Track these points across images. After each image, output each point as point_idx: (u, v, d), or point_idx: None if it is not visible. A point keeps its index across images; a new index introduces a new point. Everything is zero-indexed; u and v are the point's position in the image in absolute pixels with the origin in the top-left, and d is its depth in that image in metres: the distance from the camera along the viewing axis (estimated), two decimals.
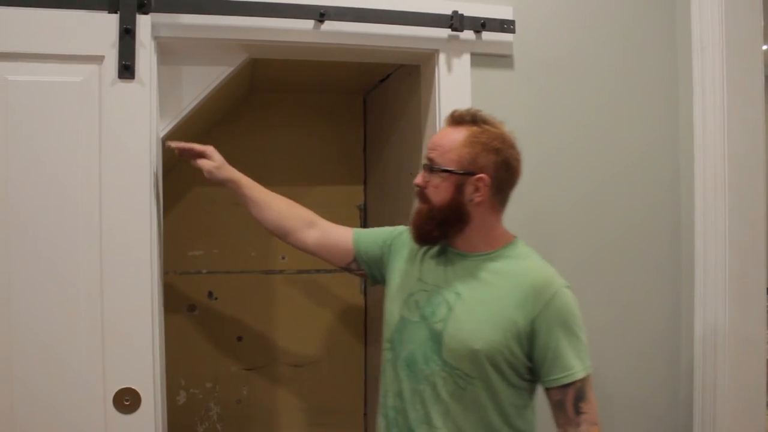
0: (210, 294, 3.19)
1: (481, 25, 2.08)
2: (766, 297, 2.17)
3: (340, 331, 3.30)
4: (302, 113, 3.29)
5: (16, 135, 1.74)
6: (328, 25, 1.97)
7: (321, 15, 1.94)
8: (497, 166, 1.57)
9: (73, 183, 1.77)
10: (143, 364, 1.79)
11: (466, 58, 2.11)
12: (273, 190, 3.29)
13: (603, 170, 2.23)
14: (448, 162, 1.56)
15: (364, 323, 3.33)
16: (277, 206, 1.95)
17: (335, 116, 3.32)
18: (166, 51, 1.94)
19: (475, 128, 1.58)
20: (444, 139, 1.59)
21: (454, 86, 2.10)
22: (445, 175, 1.56)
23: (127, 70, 1.78)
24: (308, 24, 1.96)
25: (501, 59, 2.15)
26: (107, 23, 1.78)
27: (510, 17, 2.12)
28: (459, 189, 1.56)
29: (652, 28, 2.29)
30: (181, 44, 1.95)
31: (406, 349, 1.61)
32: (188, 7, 1.87)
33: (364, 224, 3.33)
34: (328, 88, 3.19)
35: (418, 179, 1.61)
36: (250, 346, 3.22)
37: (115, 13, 1.79)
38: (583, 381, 1.51)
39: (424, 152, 2.20)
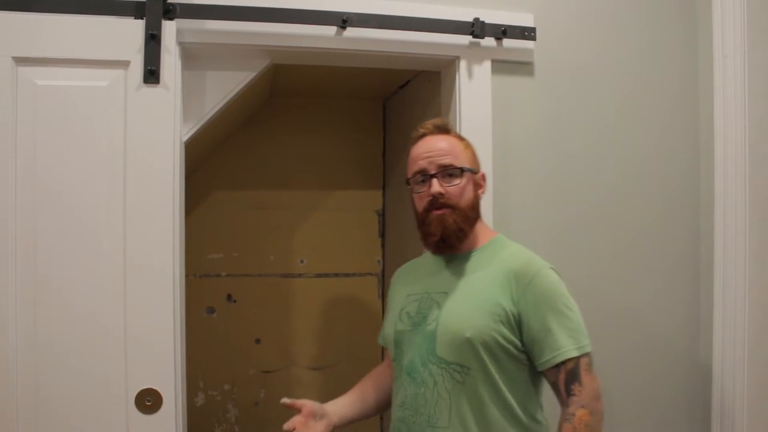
0: (229, 297, 3.22)
1: (502, 32, 2.09)
2: None
3: (357, 335, 3.31)
4: (322, 118, 3.31)
5: (44, 138, 1.77)
6: (351, 32, 1.98)
7: (343, 21, 1.96)
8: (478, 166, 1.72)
9: (98, 185, 1.79)
10: (165, 366, 1.81)
11: (487, 65, 2.12)
12: (293, 194, 3.32)
13: (621, 176, 2.23)
14: (465, 163, 1.66)
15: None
16: (374, 397, 1.84)
17: (355, 121, 3.34)
18: (190, 56, 1.97)
19: (455, 135, 1.72)
20: (452, 145, 1.67)
21: (475, 93, 2.11)
22: (467, 174, 1.64)
23: (152, 74, 1.81)
24: (331, 30, 1.98)
25: (521, 66, 2.16)
26: (133, 29, 1.81)
27: (531, 25, 2.13)
28: (475, 187, 1.68)
29: (673, 35, 2.29)
30: (205, 50, 1.97)
31: (406, 358, 1.64)
32: (213, 14, 1.90)
33: (383, 228, 3.34)
34: (348, 93, 3.21)
35: (438, 188, 1.61)
36: (268, 349, 3.25)
37: (141, 19, 1.82)
38: (575, 361, 1.50)
39: None
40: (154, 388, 1.79)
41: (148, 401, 1.79)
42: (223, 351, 3.18)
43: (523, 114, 2.16)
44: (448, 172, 1.63)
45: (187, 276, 2.01)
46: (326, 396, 3.32)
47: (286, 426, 1.62)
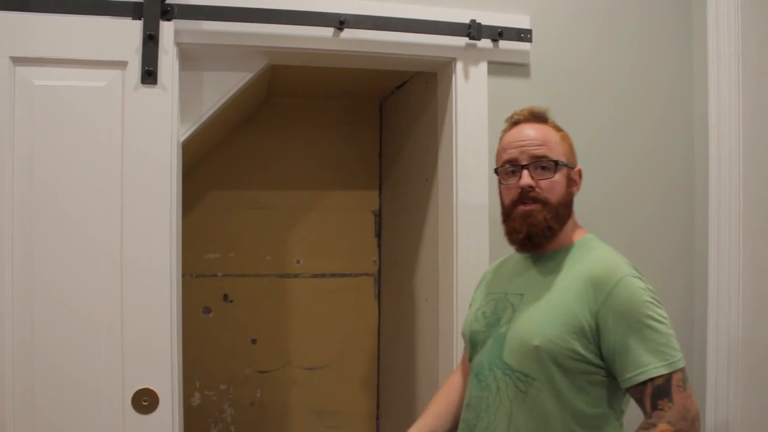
0: (225, 297, 3.22)
1: (498, 34, 2.10)
2: None
3: (353, 335, 3.32)
4: (319, 119, 3.32)
5: (41, 138, 1.77)
6: (348, 33, 1.99)
7: (340, 23, 1.96)
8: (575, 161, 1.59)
9: (95, 185, 1.80)
10: (162, 366, 1.82)
11: (483, 66, 2.12)
12: (290, 195, 3.33)
13: (617, 177, 2.24)
14: (560, 156, 1.52)
15: (378, 327, 3.35)
16: (453, 406, 1.72)
17: (351, 122, 3.35)
18: (187, 57, 1.97)
19: (552, 125, 1.58)
20: (547, 135, 1.53)
21: (471, 94, 2.12)
22: (562, 169, 1.51)
23: (149, 75, 1.81)
24: (328, 32, 1.98)
25: (517, 68, 2.17)
26: (131, 29, 1.82)
27: (527, 26, 2.14)
28: (569, 183, 1.53)
29: (668, 38, 2.30)
30: (203, 50, 1.98)
31: (477, 359, 1.56)
32: (210, 14, 1.90)
33: (379, 229, 3.35)
34: (345, 94, 3.22)
35: (529, 180, 1.49)
36: (264, 349, 3.25)
37: (139, 19, 1.82)
38: (664, 378, 1.34)
39: (441, 158, 2.24)
40: (150, 388, 1.80)
41: (145, 401, 1.79)
42: (219, 351, 3.19)
43: None
44: (541, 164, 1.49)
45: (183, 276, 2.02)
46: (323, 396, 3.33)
47: None
